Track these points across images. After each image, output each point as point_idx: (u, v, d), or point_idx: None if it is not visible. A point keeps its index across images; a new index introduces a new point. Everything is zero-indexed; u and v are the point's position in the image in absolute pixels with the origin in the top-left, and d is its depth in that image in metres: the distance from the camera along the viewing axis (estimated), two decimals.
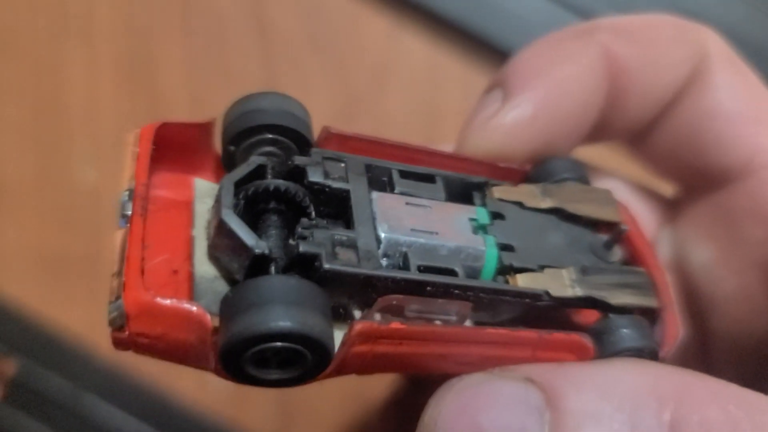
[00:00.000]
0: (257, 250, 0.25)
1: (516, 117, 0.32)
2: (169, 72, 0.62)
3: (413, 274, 0.26)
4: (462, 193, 0.31)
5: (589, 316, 0.30)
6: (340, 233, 0.26)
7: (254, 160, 0.28)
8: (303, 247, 0.25)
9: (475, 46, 0.60)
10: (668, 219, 0.38)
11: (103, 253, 0.54)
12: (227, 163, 0.29)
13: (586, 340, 0.28)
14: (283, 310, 0.23)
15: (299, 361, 0.24)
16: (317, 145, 0.29)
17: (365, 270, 0.25)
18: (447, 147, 0.34)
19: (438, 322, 0.27)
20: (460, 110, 0.63)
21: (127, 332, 0.23)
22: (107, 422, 0.49)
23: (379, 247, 0.27)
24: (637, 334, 0.28)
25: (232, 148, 0.28)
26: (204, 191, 0.29)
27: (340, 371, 0.26)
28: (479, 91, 0.63)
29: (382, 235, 0.27)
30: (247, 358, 0.23)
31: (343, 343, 0.25)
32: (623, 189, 0.38)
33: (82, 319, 0.54)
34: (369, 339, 0.25)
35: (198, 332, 0.23)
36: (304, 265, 0.26)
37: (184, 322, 0.23)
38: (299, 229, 0.26)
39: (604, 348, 0.28)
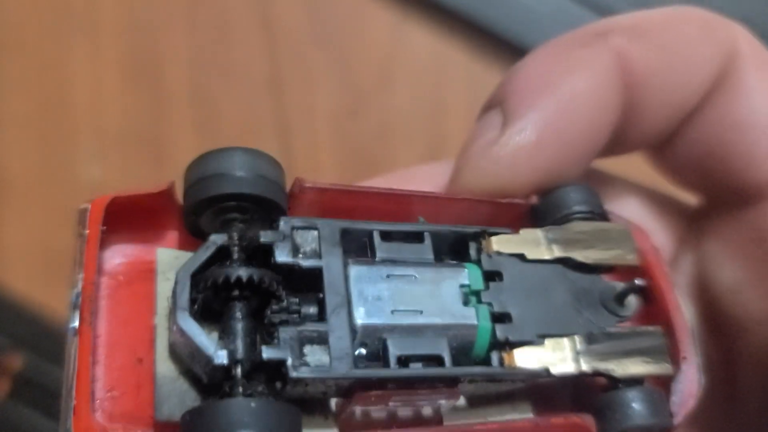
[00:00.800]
0: (217, 361, 0.23)
1: (518, 144, 0.28)
2: (174, 68, 0.61)
3: (392, 371, 0.24)
4: (455, 247, 0.28)
5: (600, 381, 0.27)
6: (310, 329, 0.24)
7: (213, 242, 0.25)
8: (267, 354, 0.23)
9: (481, 39, 0.59)
10: (691, 234, 0.34)
11: None
12: (191, 229, 0.26)
13: (588, 423, 0.25)
14: None
15: None
16: (291, 198, 0.26)
17: (337, 374, 0.23)
18: (444, 169, 0.31)
19: (427, 410, 0.26)
20: (466, 104, 0.63)
21: None
22: None
23: (354, 338, 0.24)
24: (646, 410, 0.26)
25: (193, 217, 0.26)
26: (166, 263, 0.26)
27: None
28: (486, 85, 0.62)
29: (359, 322, 0.24)
30: None
31: None
32: (640, 201, 0.34)
33: None
34: None
35: None
36: (271, 372, 0.23)
37: None
38: (267, 317, 0.24)
39: (609, 426, 0.26)
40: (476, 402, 0.27)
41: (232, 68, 0.61)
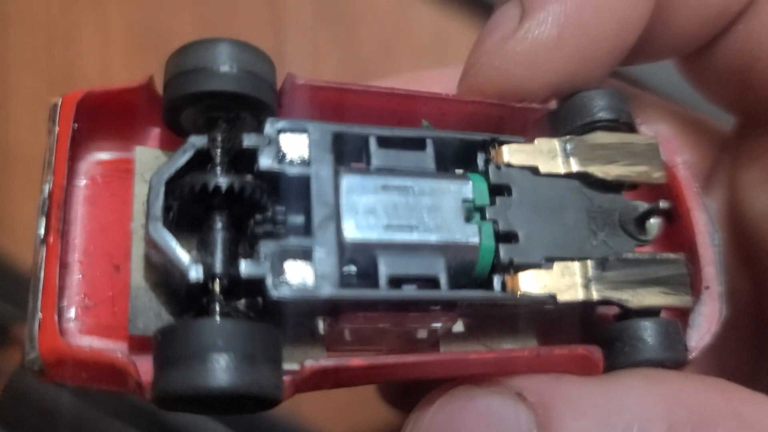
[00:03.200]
0: (192, 276, 0.20)
1: (537, 39, 0.24)
2: (180, 42, 0.61)
3: (382, 292, 0.21)
4: (461, 156, 0.24)
5: (612, 309, 0.24)
6: (293, 243, 0.21)
7: (192, 144, 0.22)
8: (245, 270, 0.20)
9: (484, 14, 0.59)
10: (725, 159, 0.30)
11: None
12: (171, 126, 0.23)
13: (595, 355, 0.23)
14: (217, 366, 0.19)
15: (241, 406, 0.20)
16: (281, 96, 0.23)
17: (321, 294, 0.20)
18: (452, 73, 0.26)
19: (422, 332, 0.23)
20: None
21: (49, 377, 0.20)
22: None
23: (342, 255, 0.21)
24: (659, 343, 0.23)
25: (173, 114, 0.22)
26: (146, 163, 0.23)
27: (297, 392, 0.21)
28: None
29: (348, 238, 0.21)
30: (183, 404, 0.20)
31: (293, 379, 0.20)
32: (671, 121, 0.30)
33: None
34: (326, 376, 0.21)
35: (124, 377, 0.20)
36: (251, 289, 0.21)
37: (108, 369, 0.20)
38: (250, 228, 0.21)
39: (617, 358, 0.23)
40: (476, 327, 0.24)
41: None
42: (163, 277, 0.22)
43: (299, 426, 0.51)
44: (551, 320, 0.25)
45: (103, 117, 0.23)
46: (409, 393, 0.27)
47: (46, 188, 0.21)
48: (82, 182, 0.23)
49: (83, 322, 0.21)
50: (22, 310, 0.51)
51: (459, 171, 0.24)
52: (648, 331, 0.23)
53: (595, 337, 0.24)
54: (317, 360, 0.20)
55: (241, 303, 0.21)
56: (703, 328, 0.24)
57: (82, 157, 0.23)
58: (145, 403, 0.20)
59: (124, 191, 0.23)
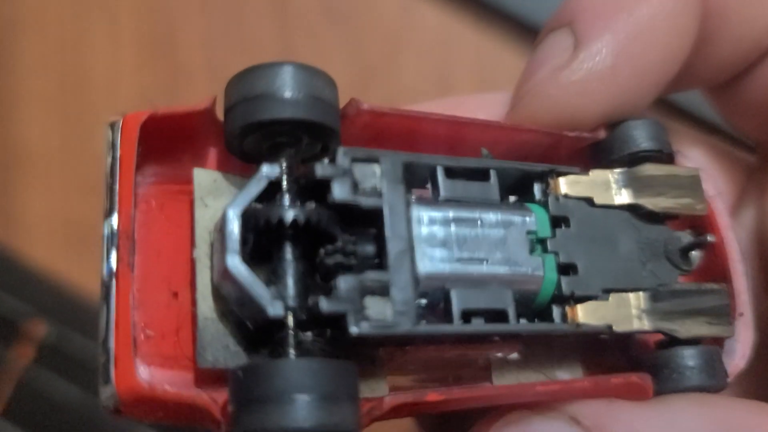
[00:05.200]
0: (272, 313, 0.20)
1: (593, 69, 0.24)
2: (189, 46, 0.60)
3: (456, 327, 0.21)
4: (520, 184, 0.24)
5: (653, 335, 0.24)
6: (371, 278, 0.20)
7: (264, 175, 0.21)
8: (326, 307, 0.20)
9: (489, 16, 0.58)
10: (753, 187, 0.30)
11: None
12: (233, 150, 0.22)
13: (647, 382, 0.23)
14: (303, 407, 0.18)
15: None
16: (342, 119, 0.22)
17: (400, 330, 0.20)
18: (497, 99, 0.26)
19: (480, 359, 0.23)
20: (474, 81, 0.62)
21: (123, 414, 0.19)
22: None
23: (417, 287, 0.21)
24: (704, 370, 0.23)
25: (236, 140, 0.21)
26: (205, 186, 0.22)
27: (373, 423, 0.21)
28: (493, 62, 0.61)
29: (422, 272, 0.21)
30: None
31: (370, 411, 0.20)
32: (702, 151, 0.30)
33: None
34: (403, 409, 0.20)
35: (203, 415, 0.19)
36: (326, 322, 0.20)
37: (187, 408, 0.19)
38: (321, 257, 0.21)
39: (665, 384, 0.23)
40: (526, 351, 0.24)
41: (246, 46, 0.60)
42: (232, 307, 0.21)
43: None
44: (594, 344, 0.25)
45: (161, 139, 0.21)
46: (449, 422, 0.27)
47: (114, 219, 0.20)
48: (134, 210, 0.21)
49: (144, 353, 0.20)
50: (33, 307, 0.51)
51: (513, 199, 0.24)
52: (695, 359, 0.23)
53: (639, 362, 0.24)
54: (396, 395, 0.20)
55: (312, 339, 0.20)
56: (738, 354, 0.25)
57: (135, 179, 0.21)
58: None
59: (179, 215, 0.22)
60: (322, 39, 0.60)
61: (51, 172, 0.58)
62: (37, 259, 0.55)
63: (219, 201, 0.22)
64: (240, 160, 0.22)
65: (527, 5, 0.56)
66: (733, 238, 0.26)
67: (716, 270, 0.26)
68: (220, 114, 0.22)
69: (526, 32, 0.56)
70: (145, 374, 0.20)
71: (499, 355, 0.23)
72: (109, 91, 0.60)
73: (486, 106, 0.27)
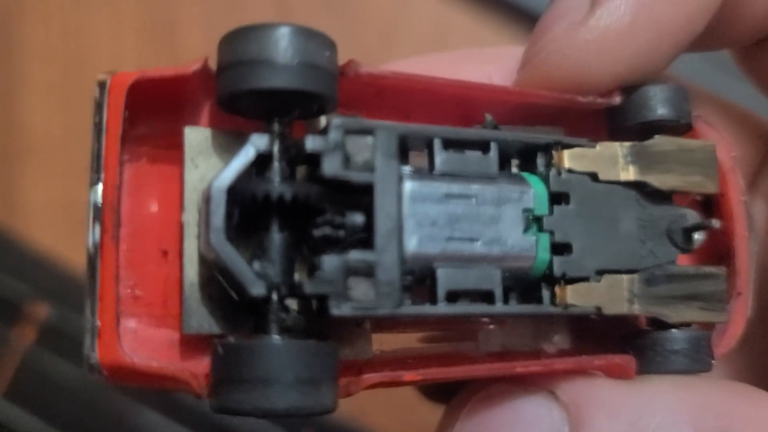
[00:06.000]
0: (254, 293, 0.19)
1: (611, 26, 0.22)
2: (189, 33, 0.61)
3: (439, 308, 0.20)
4: (522, 154, 0.23)
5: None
6: (356, 258, 0.20)
7: (253, 145, 0.20)
8: (309, 289, 0.19)
9: (484, 4, 0.58)
10: None
11: None
12: (225, 108, 0.21)
13: (628, 364, 0.22)
14: (280, 391, 0.18)
15: (300, 414, 0.20)
16: (340, 75, 0.21)
17: (381, 311, 0.20)
18: (510, 53, 0.25)
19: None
20: None
21: (106, 379, 0.19)
22: None
23: (403, 266, 0.20)
24: (688, 356, 0.23)
25: (228, 102, 0.21)
26: (196, 145, 0.21)
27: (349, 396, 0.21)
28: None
29: (410, 251, 0.20)
30: (239, 413, 0.19)
31: (347, 387, 0.20)
32: (722, 115, 0.28)
33: None
34: (380, 385, 0.20)
35: (184, 386, 0.19)
36: (309, 301, 0.20)
37: (168, 380, 0.19)
38: (309, 230, 0.20)
39: (649, 366, 0.23)
40: (515, 324, 0.24)
41: None
42: (217, 275, 0.20)
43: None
44: (584, 320, 0.24)
45: (151, 99, 0.20)
46: (448, 385, 0.27)
47: (99, 189, 0.19)
48: (124, 158, 0.20)
49: (133, 311, 0.20)
50: (35, 289, 0.51)
51: (515, 169, 0.23)
52: (681, 343, 0.23)
53: (626, 341, 0.23)
54: (372, 375, 0.20)
55: (295, 316, 0.20)
56: (729, 334, 0.24)
57: (126, 134, 0.20)
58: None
59: (171, 171, 0.21)
60: (320, 26, 0.60)
61: (53, 157, 0.58)
62: (39, 242, 0.55)
63: (209, 161, 0.21)
64: (231, 114, 0.21)
65: None
66: (743, 214, 0.25)
67: (720, 247, 0.25)
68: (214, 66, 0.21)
69: (523, 20, 0.56)
70: (131, 325, 0.20)
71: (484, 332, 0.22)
72: None
73: (498, 60, 0.25)
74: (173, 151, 0.21)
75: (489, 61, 0.25)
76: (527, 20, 0.56)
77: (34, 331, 0.51)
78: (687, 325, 0.23)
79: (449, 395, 0.23)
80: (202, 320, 0.20)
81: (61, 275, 0.53)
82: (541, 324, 0.24)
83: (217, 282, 0.20)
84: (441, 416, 0.23)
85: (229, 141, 0.21)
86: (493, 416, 0.22)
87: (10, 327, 0.51)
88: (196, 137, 0.21)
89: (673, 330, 0.23)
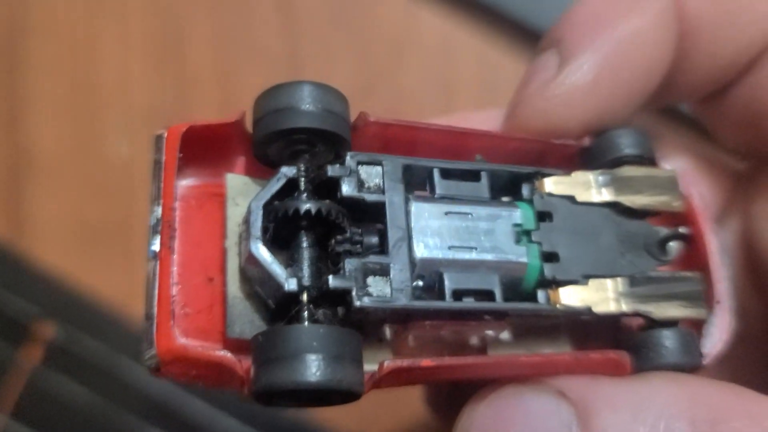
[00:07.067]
0: (287, 288, 0.23)
1: (575, 83, 0.27)
2: (197, 48, 0.60)
3: (447, 303, 0.24)
4: (509, 185, 0.27)
5: (635, 319, 0.27)
6: (373, 260, 0.24)
7: (283, 174, 0.25)
8: (333, 283, 0.23)
9: (491, 21, 0.58)
10: (739, 193, 0.32)
11: (136, 222, 0.53)
12: (260, 157, 0.26)
13: (624, 359, 0.25)
14: (312, 364, 0.21)
15: (329, 399, 0.23)
16: (354, 130, 0.26)
17: (397, 304, 0.23)
18: (496, 114, 0.29)
19: (474, 339, 0.26)
20: (476, 85, 0.62)
21: (162, 373, 0.23)
22: (142, 383, 0.49)
23: (413, 270, 0.24)
24: (679, 349, 0.26)
25: (263, 147, 0.25)
26: (236, 189, 0.26)
27: (374, 388, 0.24)
28: (495, 66, 0.61)
29: (418, 256, 0.24)
30: (277, 399, 0.23)
31: (372, 376, 0.23)
32: (688, 157, 0.32)
33: (117, 284, 0.53)
34: (400, 374, 0.23)
35: (229, 374, 0.23)
36: (335, 298, 0.23)
37: (216, 367, 0.22)
38: (332, 246, 0.24)
39: (643, 362, 0.25)
40: (519, 334, 0.27)
41: (253, 48, 0.60)
42: (255, 288, 0.24)
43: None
44: (583, 330, 0.28)
45: (198, 147, 0.25)
46: (454, 401, 0.29)
47: (158, 210, 0.23)
48: (176, 204, 0.25)
49: (183, 327, 0.23)
50: (42, 308, 0.51)
51: (506, 198, 0.27)
52: (669, 339, 0.26)
53: (621, 343, 0.26)
54: (394, 360, 0.23)
55: (324, 313, 0.23)
56: (716, 337, 0.27)
57: (178, 182, 0.25)
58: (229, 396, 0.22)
59: (215, 213, 0.25)
60: (327, 44, 0.60)
61: (62, 174, 0.58)
62: (47, 260, 0.55)
63: (248, 200, 0.25)
64: (264, 165, 0.26)
65: (529, 11, 0.56)
66: (711, 230, 0.28)
67: (696, 261, 0.28)
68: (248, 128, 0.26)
69: (528, 37, 0.56)
70: (182, 342, 0.23)
71: (491, 332, 0.26)
72: (119, 94, 0.60)
73: (487, 120, 0.30)
74: (216, 196, 0.26)
75: (480, 121, 0.29)
76: (533, 38, 0.56)
77: (41, 350, 0.51)
78: (673, 323, 0.26)
79: (457, 407, 0.26)
80: (244, 327, 0.24)
81: (69, 294, 0.53)
82: (543, 340, 0.27)
83: (257, 296, 0.24)
84: (456, 420, 0.25)
85: (263, 184, 0.25)
86: (506, 415, 0.24)
87: (17, 346, 0.51)
88: (237, 182, 0.26)
89: (663, 329, 0.26)
